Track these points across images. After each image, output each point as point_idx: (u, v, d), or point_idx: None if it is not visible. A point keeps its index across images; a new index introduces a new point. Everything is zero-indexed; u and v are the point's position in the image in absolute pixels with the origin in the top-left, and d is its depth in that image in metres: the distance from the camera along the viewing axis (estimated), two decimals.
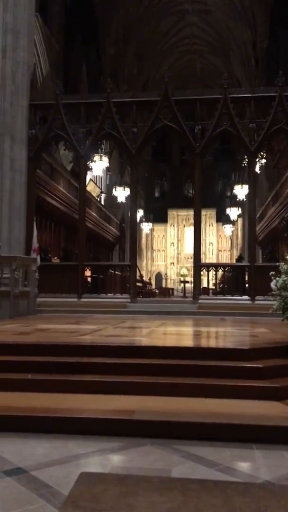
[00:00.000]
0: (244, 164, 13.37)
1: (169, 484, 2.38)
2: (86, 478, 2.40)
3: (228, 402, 3.73)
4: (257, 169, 14.45)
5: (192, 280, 13.14)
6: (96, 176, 23.25)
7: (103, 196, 26.23)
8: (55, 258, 15.26)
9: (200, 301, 11.88)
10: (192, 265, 13.24)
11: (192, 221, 15.10)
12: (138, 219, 23.36)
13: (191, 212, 20.00)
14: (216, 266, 13.28)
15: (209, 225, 36.70)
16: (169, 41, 31.68)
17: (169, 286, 31.41)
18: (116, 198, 23.36)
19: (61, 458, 2.85)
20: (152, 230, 36.88)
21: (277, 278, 4.88)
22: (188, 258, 34.30)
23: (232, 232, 34.12)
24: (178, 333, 6.86)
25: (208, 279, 12.72)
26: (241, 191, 21.04)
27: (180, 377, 4.12)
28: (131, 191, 14.03)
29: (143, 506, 2.07)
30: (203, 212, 23.65)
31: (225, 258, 36.46)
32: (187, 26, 30.63)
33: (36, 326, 7.22)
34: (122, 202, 23.89)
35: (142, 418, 3.38)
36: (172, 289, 27.25)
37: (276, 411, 3.60)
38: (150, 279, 33.00)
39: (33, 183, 12.40)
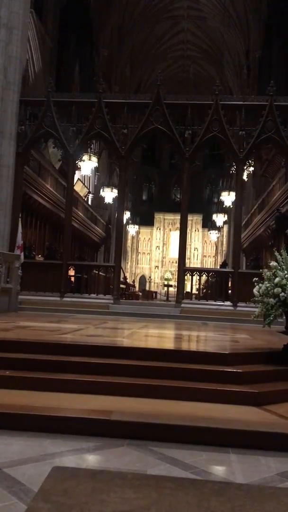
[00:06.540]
0: (232, 171, 13.41)
1: (144, 481, 2.34)
2: (58, 473, 2.36)
3: (207, 406, 3.73)
4: (244, 177, 14.55)
5: (176, 284, 13.16)
6: (84, 176, 23.15)
7: (90, 196, 26.14)
8: (39, 256, 15.14)
9: (183, 305, 11.90)
10: (176, 269, 13.26)
11: (178, 225, 15.11)
12: (124, 221, 23.37)
13: (177, 217, 20.05)
14: (200, 271, 13.29)
15: (195, 230, 36.84)
16: (163, 46, 31.82)
17: (152, 289, 31.41)
18: (103, 199, 23.28)
19: (35, 456, 2.81)
20: (138, 232, 36.87)
21: (260, 285, 4.89)
22: (172, 262, 34.36)
23: (218, 238, 34.27)
24: (160, 336, 6.85)
25: (192, 284, 12.72)
26: (228, 198, 21.11)
27: (159, 379, 4.11)
28: (119, 193, 14.01)
29: (116, 502, 2.04)
30: (190, 217, 23.76)
31: (209, 264, 36.60)
32: (181, 32, 30.80)
33: (16, 323, 7.15)
34: (109, 203, 23.83)
35: (120, 419, 3.36)
36: (156, 292, 27.24)
37: (254, 416, 3.61)
38: (134, 281, 32.93)
39: (20, 179, 12.30)
